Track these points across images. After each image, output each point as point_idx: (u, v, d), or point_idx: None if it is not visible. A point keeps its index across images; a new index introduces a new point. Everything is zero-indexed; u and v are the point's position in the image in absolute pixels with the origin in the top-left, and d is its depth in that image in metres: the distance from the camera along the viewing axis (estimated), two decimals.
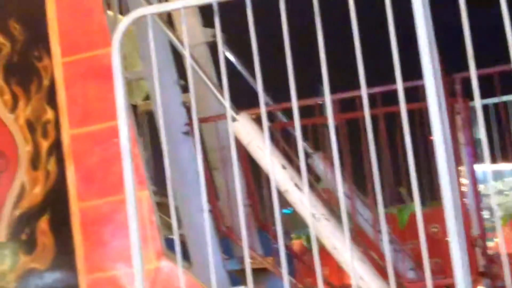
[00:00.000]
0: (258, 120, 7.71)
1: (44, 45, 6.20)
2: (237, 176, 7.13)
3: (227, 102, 4.51)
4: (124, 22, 4.07)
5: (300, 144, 3.90)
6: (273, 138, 6.52)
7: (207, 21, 8.85)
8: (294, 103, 4.01)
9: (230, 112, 5.61)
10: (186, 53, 4.59)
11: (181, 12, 4.06)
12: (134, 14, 4.06)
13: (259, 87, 4.13)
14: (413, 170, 3.56)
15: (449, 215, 3.22)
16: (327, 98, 3.94)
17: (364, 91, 3.75)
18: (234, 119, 5.65)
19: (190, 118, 7.80)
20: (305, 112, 6.64)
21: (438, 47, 3.84)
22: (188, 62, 4.57)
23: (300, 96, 4.15)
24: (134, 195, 4.04)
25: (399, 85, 3.70)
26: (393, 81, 3.77)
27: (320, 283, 3.67)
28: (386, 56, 3.88)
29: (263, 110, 4.06)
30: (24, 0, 6.34)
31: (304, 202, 4.98)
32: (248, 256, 3.99)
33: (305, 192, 4.54)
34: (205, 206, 7.03)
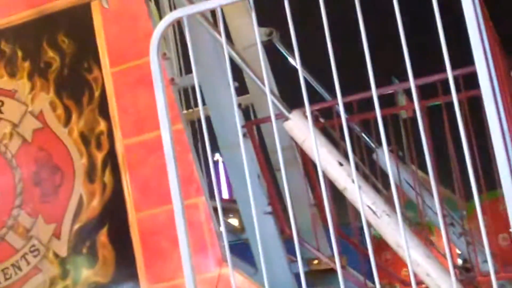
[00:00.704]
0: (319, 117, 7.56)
1: (93, 57, 6.16)
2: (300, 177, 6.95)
3: (276, 101, 4.32)
4: (161, 25, 3.96)
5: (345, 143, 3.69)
6: (328, 135, 6.32)
7: (261, 20, 8.72)
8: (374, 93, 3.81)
9: (279, 110, 5.46)
10: (225, 50, 4.40)
11: (217, 11, 3.91)
12: (170, 17, 3.95)
13: (301, 83, 3.94)
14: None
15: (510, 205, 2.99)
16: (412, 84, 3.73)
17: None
18: (287, 118, 5.48)
19: (246, 120, 7.73)
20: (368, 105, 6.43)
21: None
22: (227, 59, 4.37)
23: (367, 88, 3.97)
24: (181, 203, 3.93)
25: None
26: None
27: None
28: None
29: (307, 105, 3.87)
30: (71, 14, 6.29)
31: (363, 199, 4.77)
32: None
33: (362, 189, 4.33)
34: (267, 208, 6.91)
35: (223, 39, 4.07)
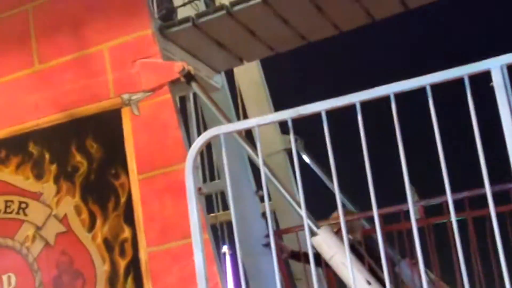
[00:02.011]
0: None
1: (121, 163, 6.17)
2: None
3: (303, 214, 4.25)
4: (198, 142, 3.95)
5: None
6: (356, 251, 6.22)
7: (286, 127, 8.78)
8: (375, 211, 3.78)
9: (308, 225, 5.39)
10: (261, 167, 4.38)
11: (255, 130, 3.91)
12: (208, 134, 3.95)
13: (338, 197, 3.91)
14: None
15: None
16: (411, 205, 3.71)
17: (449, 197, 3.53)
18: (314, 233, 5.42)
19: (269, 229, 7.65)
20: (391, 218, 6.37)
21: None
22: (263, 173, 4.36)
23: (386, 203, 3.94)
24: None
25: (488, 189, 3.49)
26: (481, 184, 3.57)
27: None
28: (472, 159, 3.68)
29: (343, 222, 3.82)
30: (100, 119, 6.34)
31: None
32: None
33: None
34: None
35: (260, 160, 4.05)
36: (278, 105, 8.83)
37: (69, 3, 6.69)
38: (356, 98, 3.80)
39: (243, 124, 3.93)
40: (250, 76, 8.73)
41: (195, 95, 7.04)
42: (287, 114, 3.87)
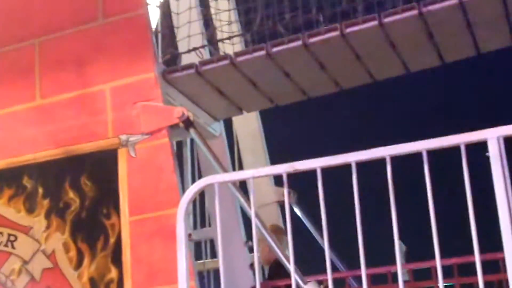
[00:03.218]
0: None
1: (113, 203, 6.17)
2: None
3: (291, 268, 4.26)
4: (192, 189, 3.98)
5: None
6: None
7: (280, 179, 8.79)
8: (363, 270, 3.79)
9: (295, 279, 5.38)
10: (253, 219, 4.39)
11: (250, 182, 3.93)
12: (202, 182, 3.98)
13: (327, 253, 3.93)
14: None
15: None
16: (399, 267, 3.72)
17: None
18: None
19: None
20: (380, 278, 6.35)
21: None
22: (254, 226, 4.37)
23: (375, 263, 3.94)
24: None
25: (477, 257, 3.51)
26: (472, 251, 3.61)
27: None
28: (464, 226, 3.71)
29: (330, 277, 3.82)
30: (96, 157, 6.36)
31: None
32: None
33: None
34: None
35: (252, 212, 4.06)
36: (274, 156, 8.88)
37: (75, 41, 6.76)
38: (352, 158, 3.83)
39: (238, 175, 3.96)
40: (248, 125, 8.79)
41: (192, 141, 7.08)
42: (283, 169, 3.90)
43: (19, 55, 6.99)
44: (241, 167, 8.73)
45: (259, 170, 3.93)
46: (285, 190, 3.92)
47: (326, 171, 3.96)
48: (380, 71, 6.97)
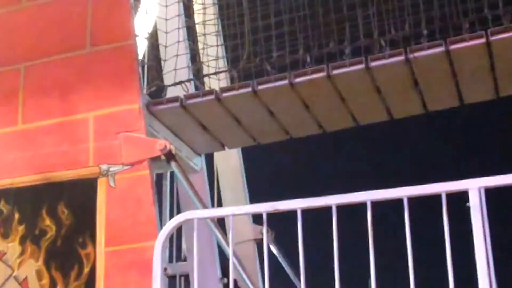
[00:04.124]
0: None
1: (89, 233, 6.12)
2: None
3: None
4: (171, 224, 3.95)
5: None
6: None
7: (257, 218, 8.75)
8: None
9: None
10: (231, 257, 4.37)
11: (229, 218, 3.92)
12: (181, 217, 3.96)
13: None
14: None
15: None
16: None
17: None
18: None
19: None
20: None
21: None
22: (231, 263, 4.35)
23: None
24: None
25: None
26: None
27: None
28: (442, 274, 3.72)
29: None
30: (75, 186, 6.32)
31: None
32: None
33: None
34: None
35: (230, 250, 4.04)
36: (254, 193, 8.86)
37: (61, 68, 6.75)
38: (333, 200, 3.83)
39: (218, 212, 3.95)
40: (229, 161, 8.77)
41: (172, 173, 7.05)
42: (263, 208, 3.89)
43: (3, 79, 6.96)
44: (220, 203, 8.70)
45: (239, 208, 3.94)
46: (264, 229, 3.90)
47: (307, 211, 3.95)
48: (364, 115, 7.00)
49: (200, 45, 7.85)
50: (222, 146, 7.50)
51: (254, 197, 8.91)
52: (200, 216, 3.96)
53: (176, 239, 8.34)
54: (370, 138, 8.59)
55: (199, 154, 7.59)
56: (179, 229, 7.88)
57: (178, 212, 7.35)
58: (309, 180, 9.55)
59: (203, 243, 6.74)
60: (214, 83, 7.41)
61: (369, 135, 8.21)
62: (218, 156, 8.61)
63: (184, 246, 7.54)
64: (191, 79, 7.00)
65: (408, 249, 3.75)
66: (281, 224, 6.84)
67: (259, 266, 8.47)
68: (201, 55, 7.65)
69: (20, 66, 6.88)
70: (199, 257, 6.68)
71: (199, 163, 7.57)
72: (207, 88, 7.43)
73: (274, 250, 8.96)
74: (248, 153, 8.77)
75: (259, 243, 8.69)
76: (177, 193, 7.80)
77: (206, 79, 7.56)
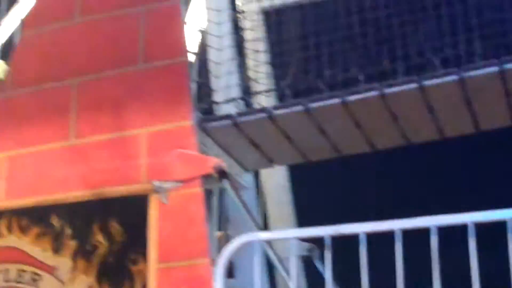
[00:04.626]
0: None
1: (141, 249, 6.11)
2: None
3: None
4: (232, 246, 3.93)
5: None
6: None
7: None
8: None
9: None
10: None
11: (290, 242, 3.89)
12: (243, 238, 3.94)
13: None
14: None
15: None
16: None
17: None
18: None
19: None
20: None
21: None
22: None
23: None
24: None
25: None
26: None
27: None
28: None
29: None
30: (127, 202, 6.32)
31: None
32: None
33: None
34: None
35: (293, 275, 4.01)
36: (300, 211, 8.83)
37: (114, 84, 6.78)
38: (397, 225, 3.79)
39: (280, 234, 3.93)
40: (276, 178, 8.75)
41: (221, 190, 7.03)
42: (325, 231, 3.85)
43: (56, 94, 7.00)
44: (265, 219, 8.69)
45: (301, 231, 3.91)
46: (327, 253, 3.85)
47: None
48: (415, 134, 6.95)
49: (249, 63, 7.86)
50: (271, 163, 7.48)
51: (301, 215, 8.88)
52: (263, 238, 3.93)
53: None
54: (422, 158, 8.49)
55: (248, 171, 7.58)
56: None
57: (224, 228, 7.35)
58: (357, 200, 9.47)
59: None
60: (262, 100, 7.42)
61: (420, 155, 8.12)
62: (264, 173, 8.60)
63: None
64: (244, 97, 7.00)
65: (473, 276, 3.69)
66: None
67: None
68: (250, 72, 7.66)
69: (72, 82, 6.92)
70: (249, 275, 6.70)
71: (248, 179, 7.56)
72: (255, 105, 7.43)
73: (319, 267, 8.90)
74: (295, 170, 8.74)
75: (304, 260, 8.64)
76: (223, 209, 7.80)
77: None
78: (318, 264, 8.90)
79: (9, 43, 7.99)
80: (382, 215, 4.21)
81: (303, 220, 8.84)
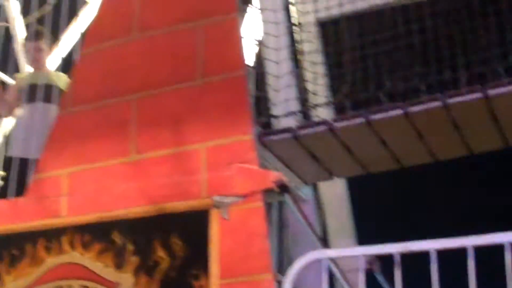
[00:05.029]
0: None
1: (203, 265, 6.06)
2: None
3: None
4: (298, 264, 3.87)
5: None
6: None
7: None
8: None
9: None
10: None
11: (360, 259, 3.81)
12: (312, 256, 3.86)
13: None
14: None
15: None
16: None
17: None
18: None
19: None
20: None
21: None
22: None
23: None
24: None
25: None
26: None
27: None
28: None
29: None
30: (188, 217, 6.29)
31: None
32: None
33: None
34: None
35: None
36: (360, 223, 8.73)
37: (172, 99, 6.77)
38: (470, 242, 3.68)
39: (348, 252, 3.83)
40: (334, 190, 8.68)
41: (280, 203, 6.98)
42: (395, 249, 3.76)
43: (115, 110, 7.03)
44: (324, 231, 8.62)
45: (369, 248, 3.81)
46: (397, 272, 3.76)
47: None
48: (479, 144, 6.81)
49: (307, 75, 7.80)
50: (330, 175, 7.41)
51: (360, 227, 8.79)
52: (331, 255, 3.87)
53: None
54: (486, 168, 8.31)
55: (307, 184, 7.53)
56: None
57: (284, 242, 7.30)
58: (416, 213, 9.32)
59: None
60: (320, 112, 7.36)
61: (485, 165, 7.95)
62: (323, 185, 8.53)
63: None
64: (302, 110, 6.94)
65: None
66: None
67: None
68: (309, 85, 7.59)
69: (131, 97, 6.94)
70: None
71: (308, 192, 7.50)
72: (314, 118, 7.37)
73: (380, 279, 8.79)
74: (354, 182, 8.65)
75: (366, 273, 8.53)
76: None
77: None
78: (379, 277, 8.82)
79: (69, 59, 8.06)
80: (446, 229, 4.11)
81: (363, 232, 8.76)
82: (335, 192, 8.64)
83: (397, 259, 3.77)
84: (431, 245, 3.66)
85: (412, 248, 3.70)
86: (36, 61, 8.45)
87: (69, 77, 7.59)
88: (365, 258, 8.34)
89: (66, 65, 8.20)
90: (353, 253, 3.80)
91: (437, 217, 8.94)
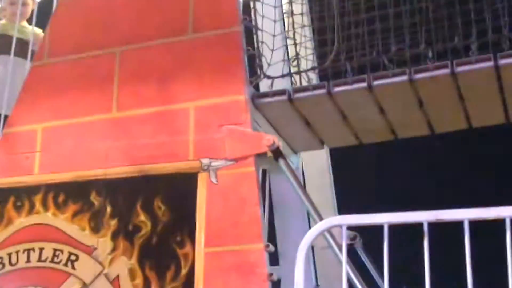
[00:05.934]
0: None
1: (188, 231, 5.68)
2: None
3: None
4: (314, 231, 3.49)
5: None
6: None
7: None
8: None
9: None
10: None
11: (385, 227, 3.44)
12: (328, 223, 3.49)
13: None
14: None
15: None
16: None
17: None
18: None
19: None
20: None
21: None
22: None
23: None
24: None
25: None
26: None
27: None
28: None
29: None
30: (174, 180, 5.89)
31: None
32: None
33: None
34: None
35: (385, 262, 3.57)
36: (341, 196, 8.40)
37: (160, 54, 6.34)
38: (507, 212, 3.33)
39: (370, 218, 3.45)
40: (316, 161, 8.31)
41: (264, 171, 6.61)
42: (424, 217, 3.40)
43: (96, 63, 6.57)
44: None
45: (396, 215, 3.43)
46: (425, 241, 3.41)
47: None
48: (481, 117, 6.48)
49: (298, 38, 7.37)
50: (322, 144, 7.03)
51: (341, 201, 8.46)
52: (350, 222, 3.49)
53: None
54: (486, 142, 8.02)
55: (295, 152, 7.15)
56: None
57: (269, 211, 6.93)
58: (403, 186, 9.02)
59: None
60: (313, 77, 6.98)
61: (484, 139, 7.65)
62: (305, 156, 8.16)
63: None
64: (301, 71, 6.53)
65: None
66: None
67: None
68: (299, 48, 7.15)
69: (115, 50, 6.48)
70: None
71: (296, 161, 7.13)
72: (304, 83, 6.96)
73: (362, 256, 8.50)
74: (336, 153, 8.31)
75: (349, 248, 8.22)
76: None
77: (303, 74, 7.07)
78: (360, 253, 8.52)
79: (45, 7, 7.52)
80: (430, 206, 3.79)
81: (344, 205, 8.43)
82: (317, 163, 8.27)
83: (426, 228, 3.41)
84: (464, 214, 3.32)
85: (443, 217, 3.35)
86: (12, 14, 7.98)
87: (45, 29, 7.06)
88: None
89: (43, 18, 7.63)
90: (375, 220, 3.43)
91: (428, 189, 8.66)
